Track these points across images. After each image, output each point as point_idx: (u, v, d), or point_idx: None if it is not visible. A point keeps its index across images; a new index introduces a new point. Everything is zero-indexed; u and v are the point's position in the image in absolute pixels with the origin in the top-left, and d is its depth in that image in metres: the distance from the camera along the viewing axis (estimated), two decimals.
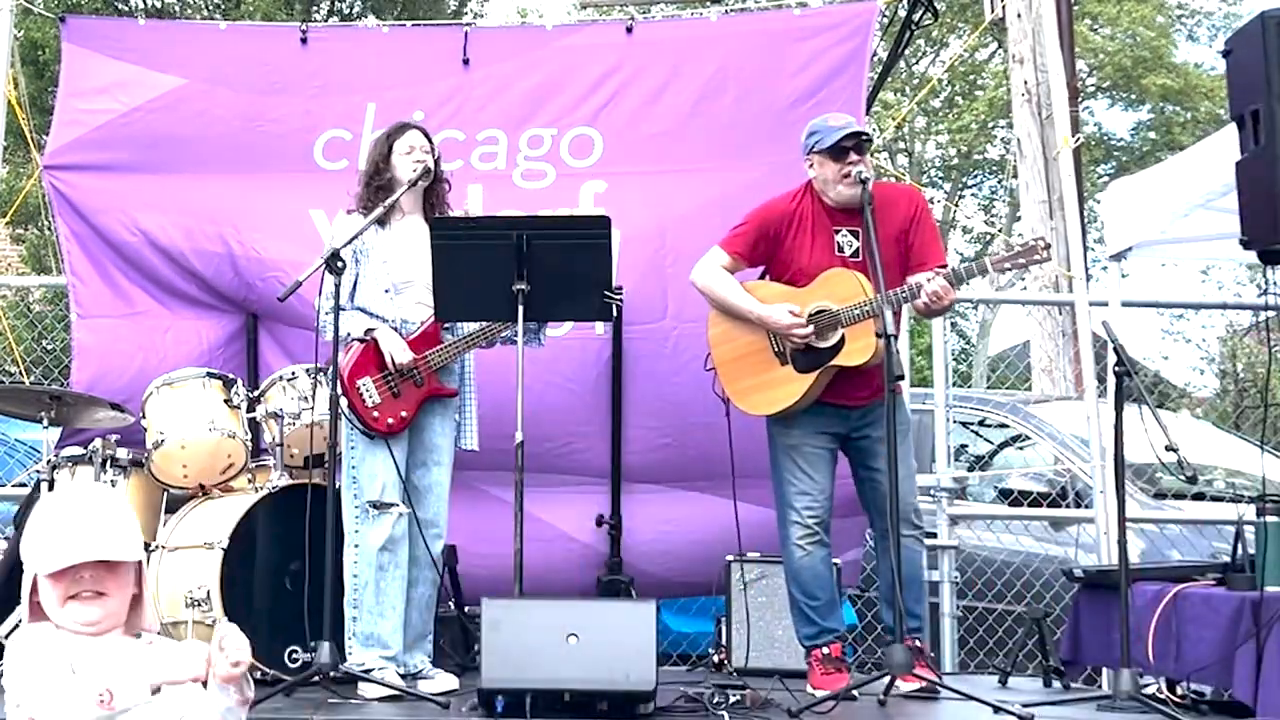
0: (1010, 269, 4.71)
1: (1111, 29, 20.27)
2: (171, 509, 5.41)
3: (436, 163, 5.07)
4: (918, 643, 4.78)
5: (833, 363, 4.77)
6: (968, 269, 4.60)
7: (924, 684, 4.57)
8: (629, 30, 6.22)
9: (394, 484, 4.80)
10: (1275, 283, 4.82)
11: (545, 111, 6.10)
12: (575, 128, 6.07)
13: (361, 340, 4.87)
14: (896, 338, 4.46)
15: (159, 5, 15.16)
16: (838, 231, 4.85)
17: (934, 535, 6.13)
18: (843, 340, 4.76)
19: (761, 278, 5.03)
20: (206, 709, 2.58)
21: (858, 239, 4.78)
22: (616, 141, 6.04)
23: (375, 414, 4.81)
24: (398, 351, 4.82)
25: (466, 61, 6.14)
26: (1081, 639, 5.10)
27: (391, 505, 4.78)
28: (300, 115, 6.10)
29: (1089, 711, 4.52)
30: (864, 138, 4.85)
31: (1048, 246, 4.63)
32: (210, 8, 14.83)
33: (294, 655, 4.89)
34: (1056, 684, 5.23)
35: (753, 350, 4.91)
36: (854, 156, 4.77)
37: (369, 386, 4.82)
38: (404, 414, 4.84)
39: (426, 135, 5.09)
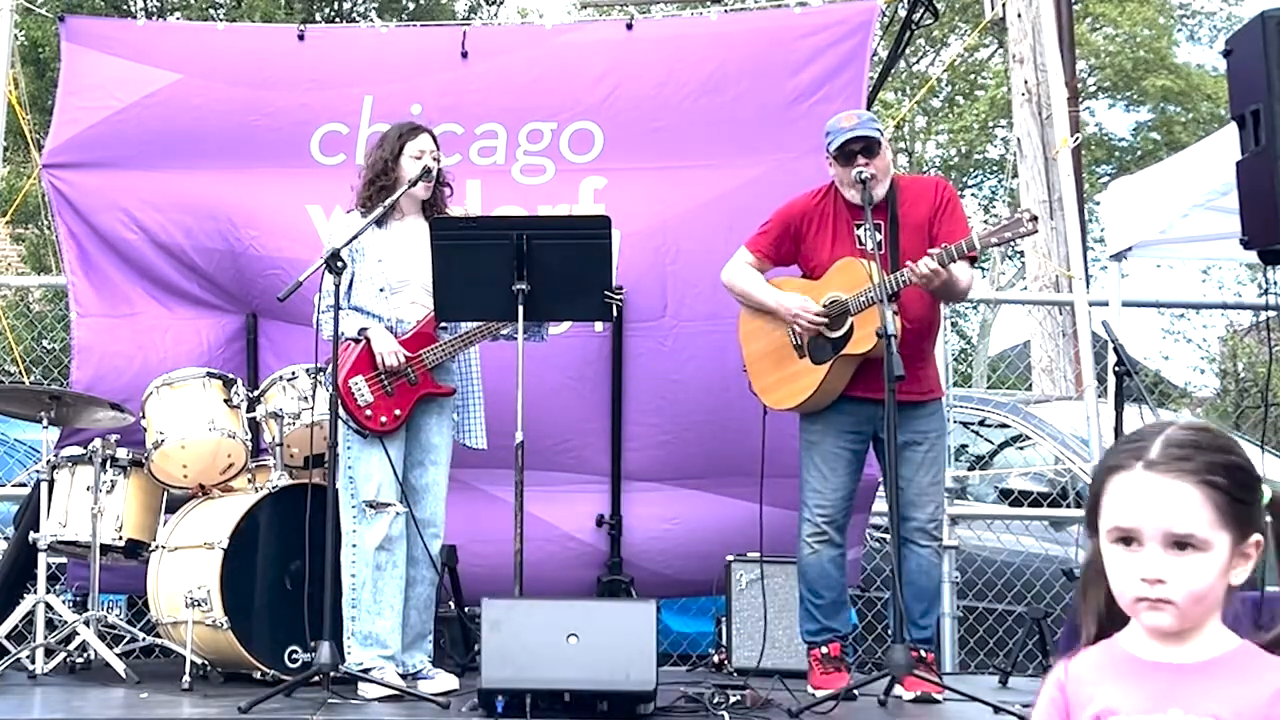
0: (997, 243, 4.75)
1: (1113, 29, 20.26)
2: (171, 509, 5.41)
3: (440, 167, 5.06)
4: (924, 653, 4.78)
5: (844, 352, 4.77)
6: (957, 247, 4.60)
7: (923, 690, 4.56)
8: (629, 27, 6.21)
9: (390, 483, 4.79)
10: (1275, 282, 4.82)
11: (545, 105, 6.06)
12: (576, 121, 6.04)
13: (355, 340, 4.86)
14: (897, 338, 4.45)
15: (159, 5, 15.16)
16: (859, 225, 4.86)
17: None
18: (852, 328, 4.77)
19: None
20: None
21: (879, 232, 4.78)
22: (617, 136, 6.01)
23: (368, 413, 4.80)
24: (387, 353, 4.81)
25: (465, 55, 6.11)
26: (1077, 639, 5.08)
27: (388, 505, 4.78)
28: (296, 109, 6.06)
29: None
30: (872, 139, 4.83)
31: (1034, 219, 4.66)
32: (210, 8, 14.82)
33: (294, 655, 4.90)
34: None
35: (776, 346, 4.94)
36: (861, 160, 4.77)
37: (361, 386, 4.81)
38: (398, 413, 4.83)
39: (435, 139, 5.08)
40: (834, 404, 4.89)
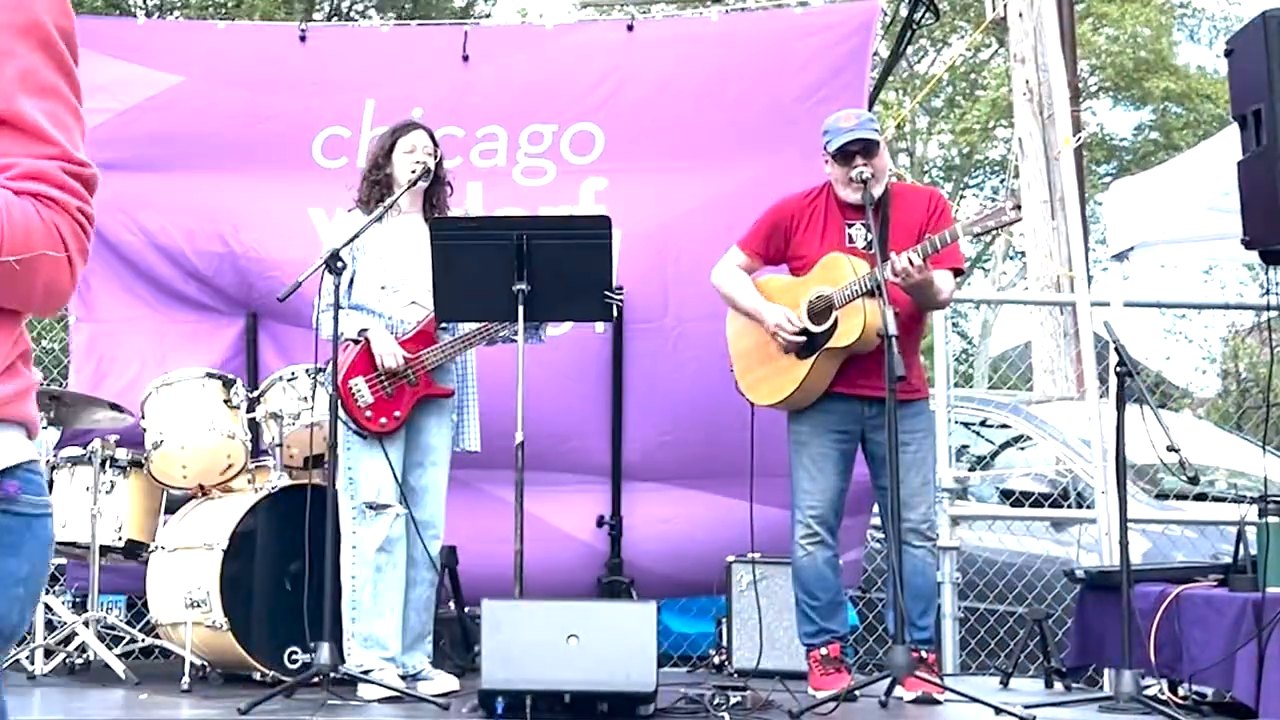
0: (980, 231, 4.76)
1: (1115, 29, 20.25)
2: (171, 509, 5.41)
3: (439, 164, 5.04)
4: (924, 654, 4.77)
5: (828, 345, 4.77)
6: (940, 237, 4.59)
7: (924, 691, 4.55)
8: (630, 28, 6.20)
9: (390, 485, 4.78)
10: (1277, 283, 4.81)
11: (546, 107, 6.06)
12: (577, 123, 6.04)
13: (355, 340, 4.85)
14: (897, 338, 4.44)
15: (159, 4, 15.16)
16: (850, 225, 4.86)
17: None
18: (836, 322, 4.76)
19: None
20: None
21: (870, 231, 4.78)
22: (618, 137, 6.01)
23: (368, 414, 4.79)
24: (387, 355, 4.80)
25: (466, 58, 6.10)
26: (1088, 642, 5.08)
27: (387, 506, 4.77)
28: (299, 112, 6.06)
29: (1091, 713, 4.50)
30: (871, 142, 4.84)
31: (1016, 206, 4.68)
32: (210, 7, 14.82)
33: (294, 656, 4.89)
34: (1058, 685, 5.22)
35: (762, 342, 4.94)
36: (859, 161, 4.77)
37: (361, 387, 4.80)
38: (397, 414, 4.82)
39: (431, 136, 5.06)
40: (821, 402, 4.87)
